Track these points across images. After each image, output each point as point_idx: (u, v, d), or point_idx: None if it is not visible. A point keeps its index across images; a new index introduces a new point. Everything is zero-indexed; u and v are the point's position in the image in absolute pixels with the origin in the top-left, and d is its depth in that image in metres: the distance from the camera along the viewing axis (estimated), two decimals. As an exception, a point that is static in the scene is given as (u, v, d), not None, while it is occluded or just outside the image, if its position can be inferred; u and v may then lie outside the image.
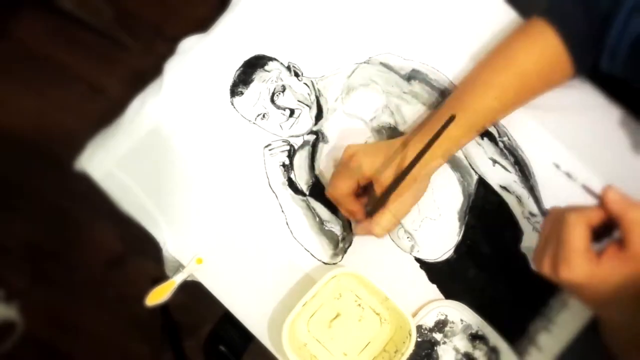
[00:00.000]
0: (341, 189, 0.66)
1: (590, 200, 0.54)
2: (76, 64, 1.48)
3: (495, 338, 0.70)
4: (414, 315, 0.70)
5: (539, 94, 0.70)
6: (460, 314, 0.70)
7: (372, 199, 0.66)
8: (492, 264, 0.71)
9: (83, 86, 1.48)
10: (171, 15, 1.51)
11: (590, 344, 0.70)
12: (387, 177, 0.64)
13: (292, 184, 0.72)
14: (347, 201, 0.67)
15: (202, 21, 0.76)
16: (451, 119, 0.63)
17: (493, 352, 0.70)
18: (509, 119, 0.72)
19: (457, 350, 0.70)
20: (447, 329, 0.70)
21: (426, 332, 0.70)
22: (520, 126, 0.73)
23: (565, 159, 0.72)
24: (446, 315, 0.70)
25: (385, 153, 0.66)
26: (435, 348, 0.70)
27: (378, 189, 0.65)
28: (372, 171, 0.65)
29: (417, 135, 0.66)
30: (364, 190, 0.68)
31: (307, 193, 0.72)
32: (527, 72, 0.67)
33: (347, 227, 0.72)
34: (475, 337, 0.70)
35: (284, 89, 0.73)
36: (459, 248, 0.71)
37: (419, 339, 0.69)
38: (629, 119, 0.73)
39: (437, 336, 0.70)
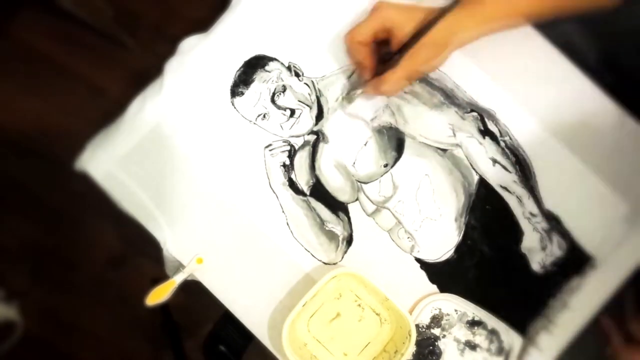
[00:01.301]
0: (359, 34, 0.66)
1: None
2: (76, 64, 1.48)
3: (492, 320, 0.70)
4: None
5: (580, 5, 0.68)
6: (453, 304, 0.70)
7: (386, 55, 0.66)
8: (493, 265, 0.71)
9: (83, 86, 1.48)
10: (171, 15, 1.51)
11: (590, 344, 0.70)
12: (406, 33, 0.64)
13: (292, 184, 0.72)
14: (360, 49, 0.67)
15: (202, 21, 0.76)
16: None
17: (493, 333, 0.70)
18: (510, 118, 0.72)
19: (458, 341, 0.70)
20: (443, 322, 0.70)
21: (424, 329, 0.70)
22: (522, 126, 0.73)
23: (566, 159, 0.72)
24: (440, 309, 0.70)
25: (410, 12, 0.65)
26: (436, 343, 0.70)
27: (395, 45, 0.65)
28: (392, 23, 0.65)
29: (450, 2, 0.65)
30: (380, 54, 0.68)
31: (308, 193, 0.72)
32: None
33: (348, 226, 0.72)
34: (473, 324, 0.70)
35: (284, 89, 0.73)
36: (459, 248, 0.71)
37: (418, 338, 0.69)
38: (631, 119, 0.73)
39: (436, 331, 0.70)
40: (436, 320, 0.70)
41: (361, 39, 0.67)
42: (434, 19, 0.62)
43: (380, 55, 0.69)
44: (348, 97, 0.72)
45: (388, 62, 0.66)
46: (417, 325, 0.69)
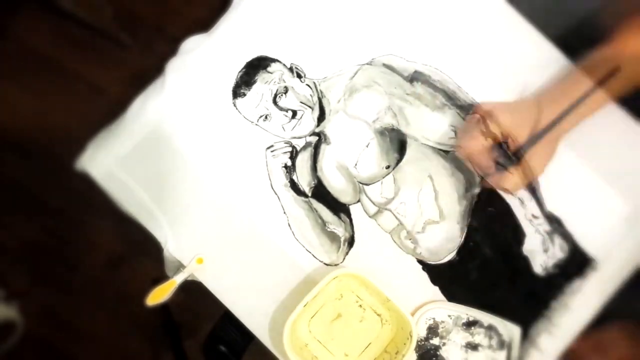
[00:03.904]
0: (477, 147, 0.67)
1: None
2: (76, 64, 1.48)
3: (486, 317, 0.70)
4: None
5: None
6: (445, 310, 0.70)
7: (503, 154, 0.67)
8: (495, 266, 0.71)
9: (83, 86, 1.48)
10: (171, 15, 1.50)
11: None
12: (522, 134, 0.66)
13: (294, 186, 0.72)
14: (481, 157, 0.68)
15: (203, 21, 0.76)
16: (613, 72, 0.64)
17: (491, 329, 0.70)
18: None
19: (459, 345, 0.70)
20: (440, 330, 0.70)
21: (423, 342, 0.70)
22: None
23: (568, 160, 0.73)
24: (434, 318, 0.70)
25: (521, 112, 0.67)
26: (438, 353, 0.70)
27: (512, 145, 0.66)
28: (508, 128, 0.66)
29: (552, 94, 0.67)
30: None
31: (309, 194, 0.72)
32: None
33: (350, 227, 0.72)
34: (469, 325, 0.70)
35: (286, 90, 0.73)
36: (461, 250, 0.72)
37: (419, 352, 0.69)
38: (632, 121, 0.73)
39: (435, 341, 0.70)
40: (433, 330, 0.70)
41: (480, 148, 0.68)
42: (554, 121, 0.65)
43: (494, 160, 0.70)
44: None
45: (504, 163, 0.68)
46: (415, 340, 0.70)
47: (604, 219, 0.72)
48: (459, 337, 0.70)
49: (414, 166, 0.72)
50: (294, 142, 0.73)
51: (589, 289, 0.71)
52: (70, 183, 0.90)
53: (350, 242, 0.72)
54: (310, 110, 0.73)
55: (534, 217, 0.72)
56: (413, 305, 0.71)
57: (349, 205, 0.72)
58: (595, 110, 0.69)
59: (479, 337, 0.70)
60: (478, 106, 0.69)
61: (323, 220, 0.72)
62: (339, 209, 0.72)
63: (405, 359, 0.66)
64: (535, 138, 0.65)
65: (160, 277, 0.72)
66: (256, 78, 0.74)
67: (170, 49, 0.75)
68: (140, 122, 0.73)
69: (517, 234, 0.72)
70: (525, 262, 0.71)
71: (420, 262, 0.71)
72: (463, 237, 0.72)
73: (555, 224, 0.72)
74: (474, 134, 0.68)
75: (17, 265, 1.43)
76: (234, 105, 0.73)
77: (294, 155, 0.73)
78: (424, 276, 0.71)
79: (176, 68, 0.74)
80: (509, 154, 0.66)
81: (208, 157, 0.73)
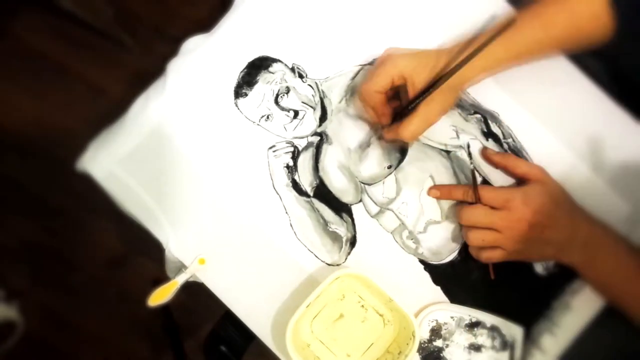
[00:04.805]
0: (376, 85, 0.66)
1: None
2: (76, 64, 1.48)
3: (489, 318, 0.70)
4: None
5: (578, 44, 0.69)
6: (448, 312, 0.70)
7: (403, 102, 0.66)
8: (496, 266, 0.71)
9: (83, 86, 1.48)
10: (171, 15, 1.51)
11: (592, 345, 0.71)
12: (421, 80, 0.65)
13: (296, 186, 0.72)
14: (378, 100, 0.67)
15: (203, 21, 0.76)
16: (510, 22, 0.63)
17: (494, 330, 0.70)
18: (513, 120, 0.73)
19: (462, 347, 0.70)
20: (443, 331, 0.70)
21: (426, 344, 0.70)
22: (525, 128, 0.73)
23: (568, 160, 0.73)
24: (436, 320, 0.70)
25: (422, 58, 0.66)
26: (442, 354, 0.70)
27: (411, 91, 0.66)
28: (408, 71, 0.65)
29: (458, 46, 0.66)
30: (394, 96, 0.68)
31: (311, 194, 0.72)
32: (578, 12, 0.66)
33: (352, 227, 0.72)
34: (472, 326, 0.70)
35: (288, 90, 0.73)
36: (463, 250, 0.72)
37: (423, 354, 0.69)
38: (632, 120, 0.73)
39: (438, 343, 0.70)
40: (436, 332, 0.70)
41: (378, 89, 0.67)
42: (455, 66, 0.63)
43: (392, 109, 0.70)
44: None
45: (402, 112, 0.66)
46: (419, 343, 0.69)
47: (604, 218, 0.71)
48: (462, 338, 0.70)
49: (416, 166, 0.72)
50: (296, 142, 0.73)
51: (589, 288, 0.71)
52: (71, 183, 0.90)
53: (352, 242, 0.72)
54: (312, 110, 0.74)
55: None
56: (415, 305, 0.71)
57: (350, 205, 0.72)
58: (503, 63, 0.68)
59: (482, 338, 0.70)
60: (384, 50, 0.70)
61: (325, 220, 0.72)
62: (341, 208, 0.72)
63: (407, 359, 0.66)
64: (434, 83, 0.64)
65: (161, 277, 0.72)
66: (258, 78, 0.74)
67: (171, 49, 0.75)
68: (142, 123, 0.73)
69: (518, 234, 0.72)
70: (526, 262, 0.71)
71: (422, 262, 0.71)
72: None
73: (556, 223, 0.72)
74: (376, 74, 0.67)
75: (17, 265, 1.43)
76: (236, 105, 0.73)
77: (295, 155, 0.73)
78: (426, 276, 0.71)
79: (177, 68, 0.74)
80: (406, 100, 0.66)
81: (210, 157, 0.72)
